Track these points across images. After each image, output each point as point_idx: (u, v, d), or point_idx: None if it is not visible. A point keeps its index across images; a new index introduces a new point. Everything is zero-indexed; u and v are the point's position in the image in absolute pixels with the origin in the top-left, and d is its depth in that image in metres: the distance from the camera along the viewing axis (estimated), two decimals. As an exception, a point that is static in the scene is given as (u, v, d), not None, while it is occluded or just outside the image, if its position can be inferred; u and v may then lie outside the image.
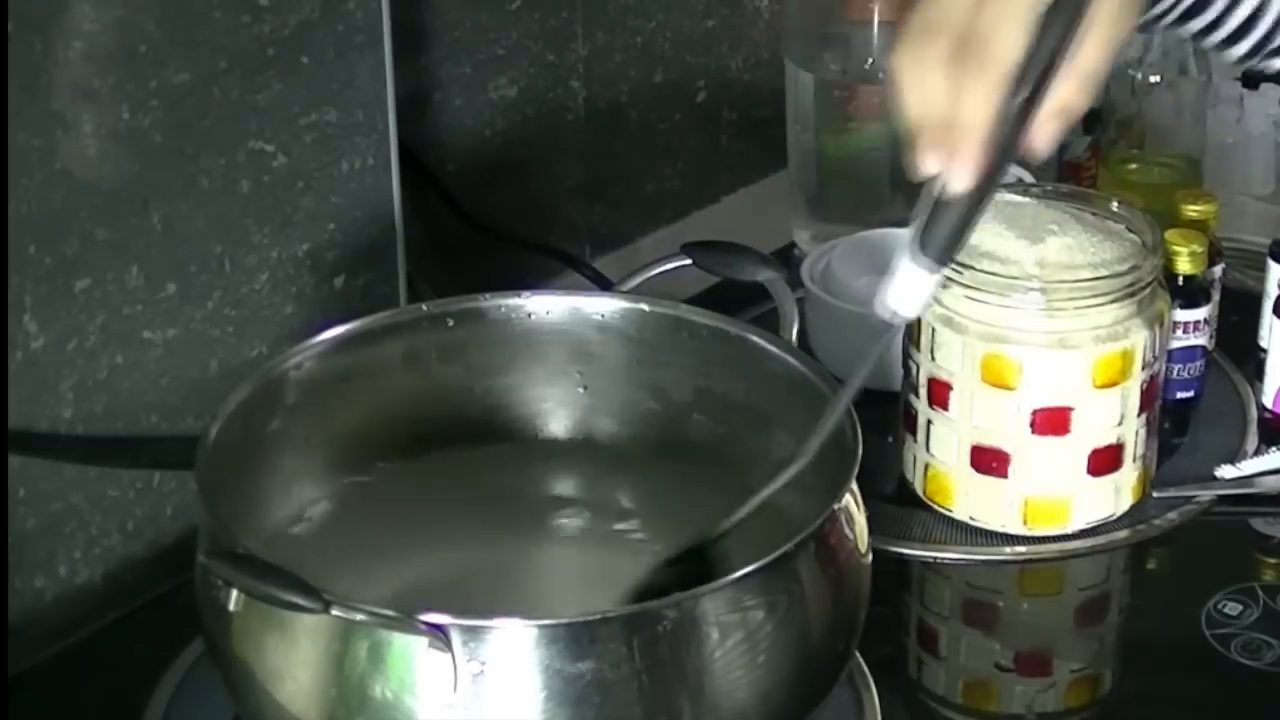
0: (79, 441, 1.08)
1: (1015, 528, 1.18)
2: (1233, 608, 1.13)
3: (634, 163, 1.51)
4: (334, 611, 0.84)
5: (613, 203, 1.50)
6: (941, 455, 1.18)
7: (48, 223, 1.04)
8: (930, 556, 1.17)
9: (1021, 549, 1.18)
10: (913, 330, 1.18)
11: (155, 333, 1.11)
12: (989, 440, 1.16)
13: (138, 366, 1.10)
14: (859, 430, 0.95)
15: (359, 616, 0.85)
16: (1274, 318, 1.28)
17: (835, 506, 0.92)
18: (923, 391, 1.18)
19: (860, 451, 0.95)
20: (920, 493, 1.21)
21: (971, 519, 1.19)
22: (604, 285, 1.33)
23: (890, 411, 1.22)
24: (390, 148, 1.20)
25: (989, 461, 1.17)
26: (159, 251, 1.10)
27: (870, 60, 1.45)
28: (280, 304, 1.17)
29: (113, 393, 1.09)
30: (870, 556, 0.97)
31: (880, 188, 1.47)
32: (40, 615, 1.09)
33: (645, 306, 1.07)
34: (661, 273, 1.09)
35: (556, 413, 1.10)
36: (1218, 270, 1.31)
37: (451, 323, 1.07)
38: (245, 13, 1.10)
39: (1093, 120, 1.54)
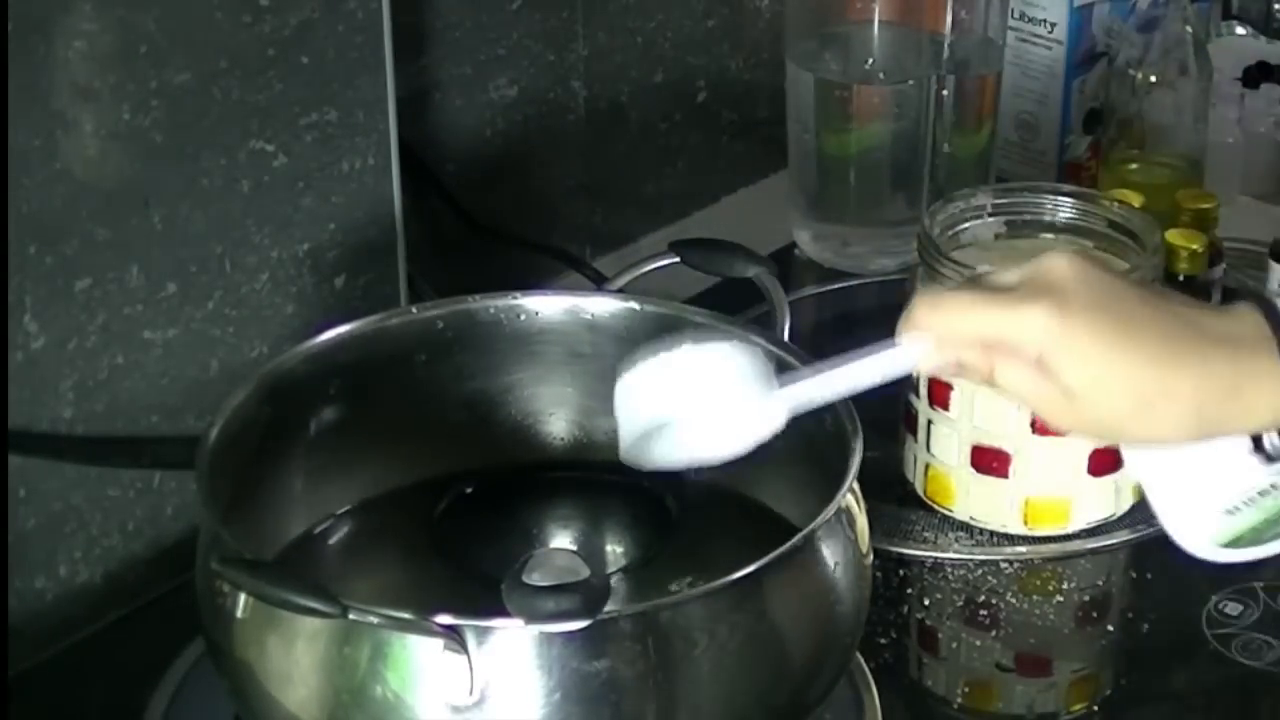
0: (79, 441, 1.08)
1: (1015, 528, 1.18)
2: (1233, 608, 1.12)
3: (634, 163, 1.51)
4: (351, 616, 0.84)
5: (613, 203, 1.49)
6: (942, 455, 1.18)
7: (48, 223, 1.04)
8: (930, 556, 1.17)
9: (1022, 549, 1.18)
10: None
11: (155, 333, 1.11)
12: (989, 440, 1.16)
13: (138, 366, 1.10)
14: (859, 429, 0.95)
15: (375, 620, 0.85)
16: (1274, 318, 1.28)
17: (835, 506, 0.92)
18: (923, 391, 1.18)
19: (860, 451, 0.95)
20: (920, 493, 1.21)
21: (972, 519, 1.19)
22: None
23: (890, 411, 1.21)
24: (390, 148, 1.20)
25: (989, 461, 1.17)
26: (159, 251, 1.09)
27: (870, 60, 1.45)
28: (280, 304, 1.17)
29: (113, 393, 1.09)
30: (870, 556, 0.97)
31: (880, 188, 1.47)
32: (40, 615, 1.09)
33: (636, 305, 1.07)
34: (655, 271, 1.09)
35: (552, 412, 1.10)
36: (1218, 270, 1.31)
37: (441, 325, 1.07)
38: (245, 13, 1.10)
39: (1093, 120, 1.54)
